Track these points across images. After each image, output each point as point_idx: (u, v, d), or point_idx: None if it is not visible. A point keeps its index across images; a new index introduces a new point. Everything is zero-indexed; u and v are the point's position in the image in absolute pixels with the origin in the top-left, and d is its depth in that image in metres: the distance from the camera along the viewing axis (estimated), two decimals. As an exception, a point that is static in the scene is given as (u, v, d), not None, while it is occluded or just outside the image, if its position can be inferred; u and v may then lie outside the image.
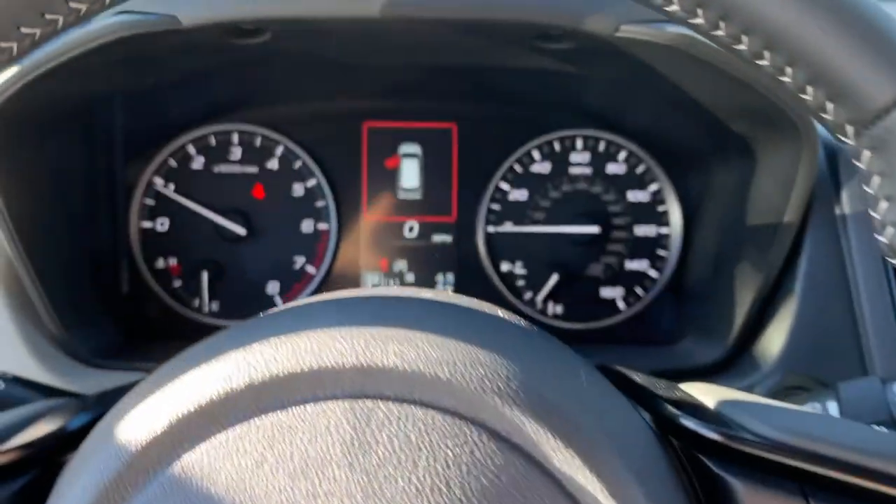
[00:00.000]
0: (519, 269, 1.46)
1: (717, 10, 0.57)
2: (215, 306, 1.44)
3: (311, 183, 1.44)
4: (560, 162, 1.43)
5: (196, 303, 1.44)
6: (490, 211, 1.45)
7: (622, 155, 1.43)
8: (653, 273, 1.44)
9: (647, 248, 1.44)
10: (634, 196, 1.43)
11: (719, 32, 0.59)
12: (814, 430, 0.52)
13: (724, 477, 0.51)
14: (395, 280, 1.47)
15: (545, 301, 1.45)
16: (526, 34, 1.00)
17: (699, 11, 0.58)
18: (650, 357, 1.26)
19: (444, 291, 0.77)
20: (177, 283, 1.44)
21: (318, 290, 1.45)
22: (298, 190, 1.44)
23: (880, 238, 0.55)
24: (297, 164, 1.43)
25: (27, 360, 1.08)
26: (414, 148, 1.46)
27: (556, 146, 1.44)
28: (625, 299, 1.45)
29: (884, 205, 0.54)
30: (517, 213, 1.44)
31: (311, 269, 1.45)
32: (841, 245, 1.07)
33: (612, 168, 1.43)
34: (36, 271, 1.06)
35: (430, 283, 1.47)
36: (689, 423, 0.54)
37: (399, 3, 0.91)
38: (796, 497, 0.51)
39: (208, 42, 1.00)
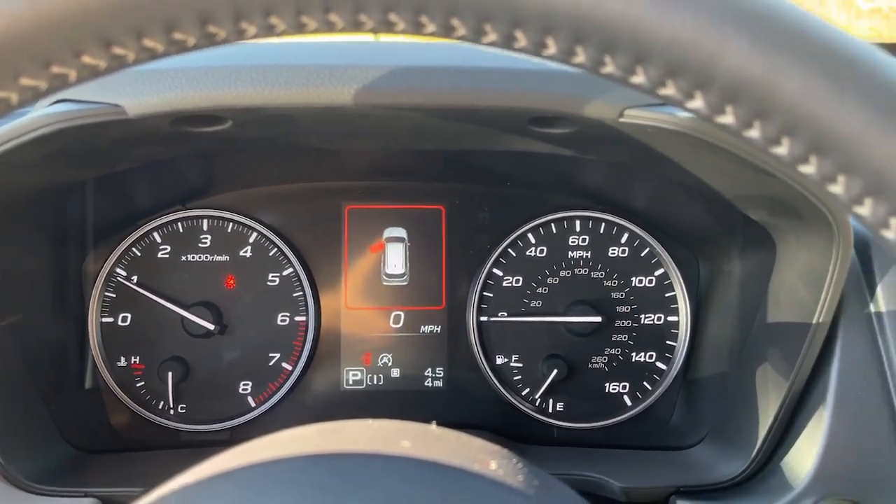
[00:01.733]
0: (515, 362, 1.33)
1: (751, 107, 0.47)
2: (182, 409, 1.31)
3: (287, 271, 1.32)
4: (557, 245, 1.32)
5: (161, 405, 1.30)
6: (482, 299, 1.33)
7: (624, 237, 1.32)
8: (661, 365, 1.32)
9: (655, 337, 1.32)
10: (639, 281, 1.32)
11: (753, 133, 0.49)
12: None
13: None
14: (378, 376, 1.34)
15: (544, 397, 1.32)
16: (519, 119, 0.89)
17: (728, 108, 0.48)
18: (665, 467, 1.13)
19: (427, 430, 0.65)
20: (140, 384, 1.30)
21: (294, 389, 1.32)
22: (273, 279, 1.32)
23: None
24: (272, 252, 1.32)
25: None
26: (399, 231, 1.35)
27: (553, 228, 1.32)
28: (631, 394, 1.32)
29: None
30: (512, 301, 1.33)
31: (286, 365, 1.32)
32: (878, 346, 0.96)
33: (614, 251, 1.32)
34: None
35: (418, 378, 1.34)
36: None
37: (378, 90, 0.80)
38: None
39: (162, 131, 0.89)
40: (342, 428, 0.66)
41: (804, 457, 0.97)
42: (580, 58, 0.48)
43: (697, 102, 0.48)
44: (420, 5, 0.46)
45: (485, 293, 1.33)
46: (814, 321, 0.93)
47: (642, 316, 1.31)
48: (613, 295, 1.32)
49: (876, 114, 0.44)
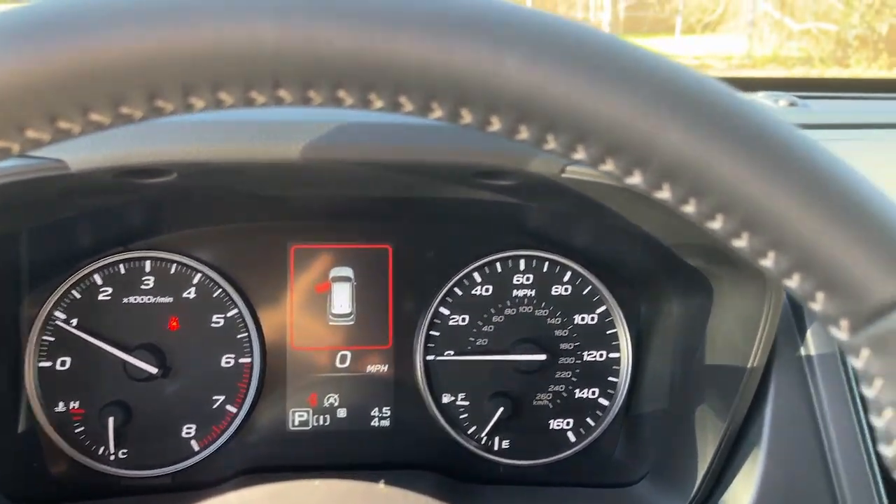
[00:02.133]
0: (461, 400, 1.34)
1: (686, 186, 0.49)
2: (123, 454, 1.28)
3: (232, 312, 1.31)
4: (502, 284, 1.34)
5: (101, 451, 1.28)
6: (429, 338, 1.34)
7: (567, 276, 1.34)
8: (603, 401, 1.34)
9: (597, 374, 1.34)
10: (581, 319, 1.34)
11: (689, 208, 0.51)
12: None
13: None
14: (325, 416, 1.34)
15: (490, 435, 1.34)
16: (465, 173, 0.91)
17: (665, 185, 0.50)
18: (607, 506, 1.15)
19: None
20: (79, 430, 1.28)
21: (238, 431, 1.30)
22: (218, 321, 1.31)
23: (884, 450, 0.47)
24: (217, 293, 1.30)
25: None
26: (346, 271, 1.35)
27: (498, 267, 1.34)
28: (575, 430, 1.34)
29: (889, 413, 0.46)
30: (458, 339, 1.34)
31: (231, 408, 1.30)
32: (808, 389, 1.00)
33: (557, 290, 1.34)
34: None
35: (365, 418, 1.34)
36: None
37: (324, 145, 0.81)
38: None
39: (105, 184, 0.89)
40: (289, 490, 0.66)
41: (741, 497, 1.00)
42: (523, 135, 0.50)
43: (636, 179, 0.50)
44: (369, 84, 0.47)
45: (431, 332, 1.34)
46: (748, 365, 0.97)
47: (585, 353, 1.34)
48: (557, 332, 1.34)
49: (802, 195, 0.46)
